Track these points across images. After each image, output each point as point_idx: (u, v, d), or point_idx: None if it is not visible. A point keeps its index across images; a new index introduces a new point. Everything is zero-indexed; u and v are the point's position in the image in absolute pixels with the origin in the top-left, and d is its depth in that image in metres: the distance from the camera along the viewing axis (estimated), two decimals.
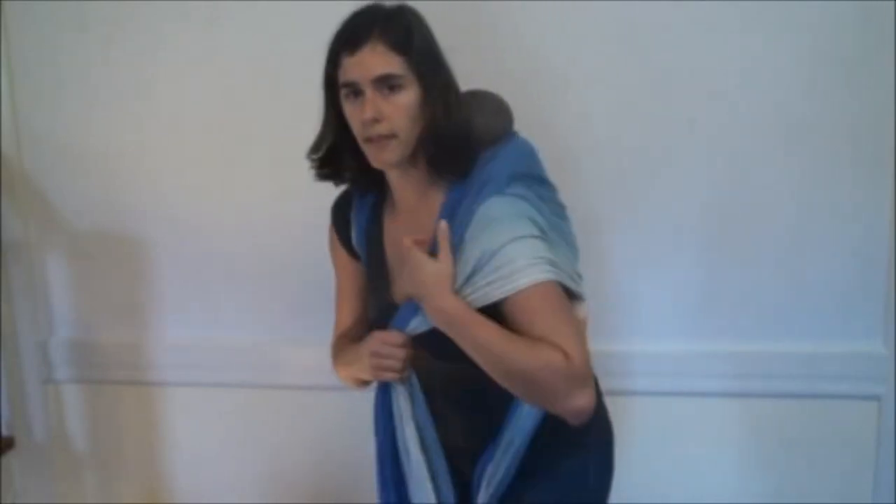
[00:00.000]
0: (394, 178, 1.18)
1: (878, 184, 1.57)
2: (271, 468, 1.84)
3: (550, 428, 1.14)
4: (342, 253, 1.31)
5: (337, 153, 1.18)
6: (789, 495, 1.71)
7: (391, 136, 1.09)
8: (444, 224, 1.10)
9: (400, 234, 1.16)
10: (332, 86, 1.13)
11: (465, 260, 1.07)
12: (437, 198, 1.15)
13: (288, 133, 1.65)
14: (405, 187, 1.18)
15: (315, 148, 1.19)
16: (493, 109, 1.20)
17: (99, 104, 1.70)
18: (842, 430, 1.68)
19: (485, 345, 1.05)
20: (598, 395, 1.19)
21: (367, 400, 1.31)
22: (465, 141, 1.12)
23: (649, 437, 1.70)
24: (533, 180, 1.15)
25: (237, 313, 1.77)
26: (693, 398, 1.68)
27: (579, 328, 1.11)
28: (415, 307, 1.13)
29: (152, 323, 1.80)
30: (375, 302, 1.25)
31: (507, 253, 1.05)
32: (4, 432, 1.81)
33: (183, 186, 1.72)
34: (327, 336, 1.73)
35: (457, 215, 1.11)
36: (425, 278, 1.08)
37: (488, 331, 1.05)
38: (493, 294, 1.05)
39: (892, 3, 1.50)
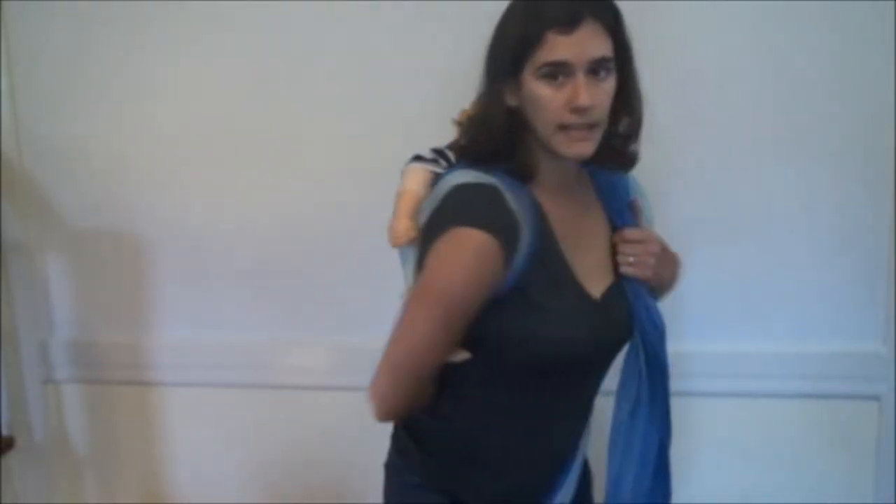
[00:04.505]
0: (561, 165, 1.09)
1: (879, 184, 1.58)
2: (271, 468, 1.84)
3: None
4: (478, 294, 1.01)
5: (499, 139, 1.05)
6: (790, 495, 1.71)
7: (595, 125, 1.01)
8: (640, 200, 1.17)
9: (566, 216, 1.09)
10: (516, 64, 1.00)
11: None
12: (585, 177, 1.17)
13: (288, 133, 1.67)
14: (567, 172, 1.11)
15: (485, 132, 1.06)
16: None
17: (99, 104, 1.70)
18: (842, 430, 1.68)
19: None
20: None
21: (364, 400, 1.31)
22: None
23: None
24: None
25: (237, 313, 1.76)
26: (693, 398, 1.68)
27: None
28: (642, 288, 1.13)
29: (152, 323, 1.80)
30: (565, 303, 1.07)
31: None
32: (4, 432, 1.80)
33: (183, 186, 1.72)
34: (327, 336, 1.75)
35: (619, 193, 1.16)
36: (675, 257, 1.20)
37: None
38: None
39: (892, 3, 1.50)
